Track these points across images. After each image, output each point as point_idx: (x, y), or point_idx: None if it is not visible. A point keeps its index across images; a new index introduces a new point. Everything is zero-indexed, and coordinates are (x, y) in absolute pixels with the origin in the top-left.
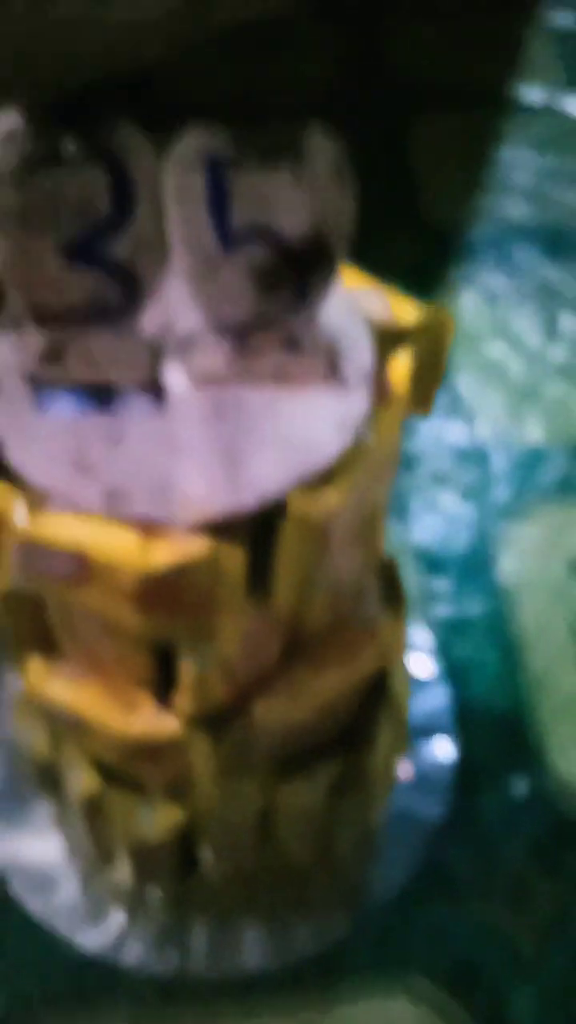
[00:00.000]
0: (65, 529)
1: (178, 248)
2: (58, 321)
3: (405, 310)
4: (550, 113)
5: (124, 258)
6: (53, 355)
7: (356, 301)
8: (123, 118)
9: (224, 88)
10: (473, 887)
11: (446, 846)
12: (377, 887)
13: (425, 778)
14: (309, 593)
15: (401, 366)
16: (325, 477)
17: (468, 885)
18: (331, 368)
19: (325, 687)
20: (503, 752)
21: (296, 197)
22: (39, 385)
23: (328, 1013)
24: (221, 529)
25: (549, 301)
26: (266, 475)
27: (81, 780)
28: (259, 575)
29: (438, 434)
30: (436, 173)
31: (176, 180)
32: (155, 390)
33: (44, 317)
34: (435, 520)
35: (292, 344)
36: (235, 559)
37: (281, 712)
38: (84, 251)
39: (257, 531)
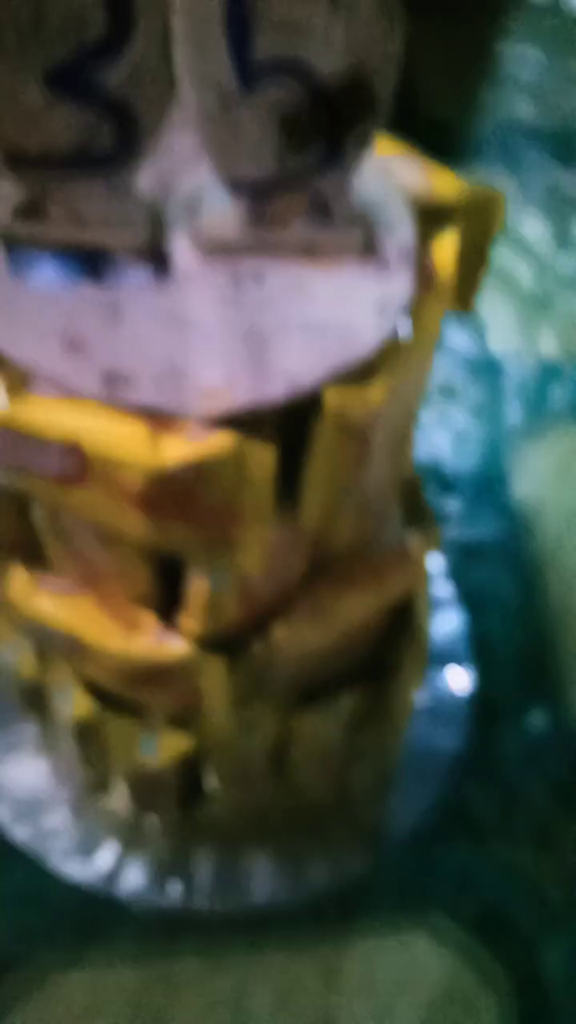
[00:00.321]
0: (57, 416)
1: (186, 82)
2: (38, 167)
3: (447, 184)
4: (556, 11)
5: (119, 91)
6: (31, 209)
7: (390, 168)
8: None
9: None
10: (495, 827)
11: (465, 782)
12: (396, 822)
13: (442, 709)
14: (340, 505)
15: (446, 249)
16: (364, 370)
17: (489, 825)
18: (367, 242)
19: (351, 611)
20: (521, 683)
21: (333, 27)
22: (15, 246)
23: (346, 949)
24: (245, 423)
25: (559, 207)
26: (296, 363)
27: (72, 703)
28: (286, 481)
29: (446, 343)
30: (437, 68)
31: None
32: (156, 259)
33: (21, 161)
34: (445, 436)
35: (322, 211)
36: (264, 459)
37: (303, 637)
38: (71, 80)
39: (286, 429)
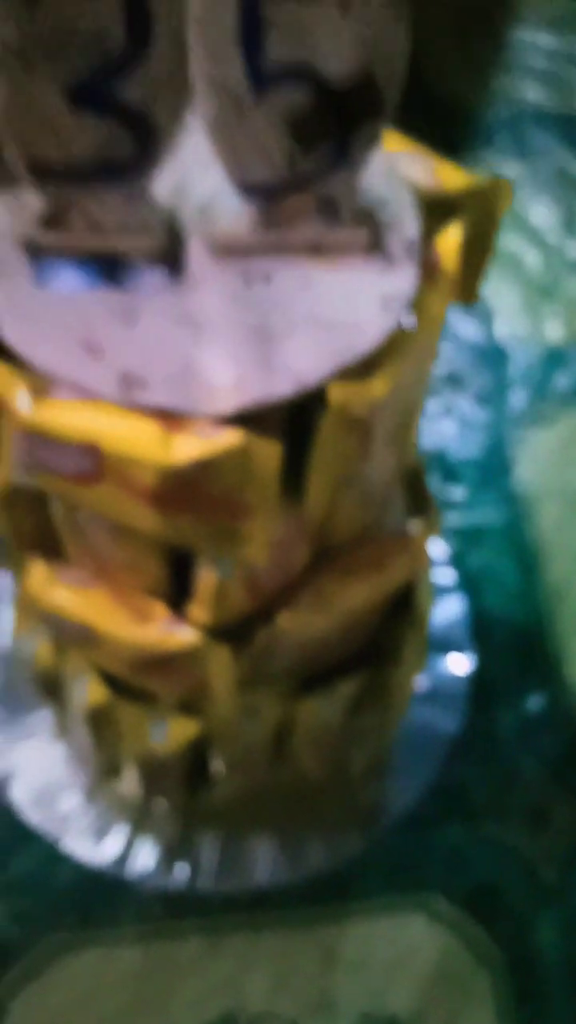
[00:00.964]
0: (75, 418)
1: (201, 90)
2: (60, 178)
3: (452, 177)
4: None
5: (138, 102)
6: (54, 218)
7: (397, 165)
8: None
9: None
10: (490, 808)
11: (462, 764)
12: (392, 803)
13: (440, 692)
14: (343, 496)
15: (450, 241)
16: (368, 364)
17: (484, 805)
18: (374, 239)
19: (352, 599)
20: (519, 666)
21: (342, 30)
22: (38, 253)
23: (342, 930)
24: (253, 420)
25: (568, 192)
26: (302, 360)
27: (87, 691)
28: (291, 474)
29: (453, 331)
30: (447, 53)
31: (202, 6)
32: (171, 261)
33: (44, 173)
34: (450, 424)
35: (330, 210)
36: (270, 455)
37: (306, 624)
38: (92, 93)
39: (291, 423)
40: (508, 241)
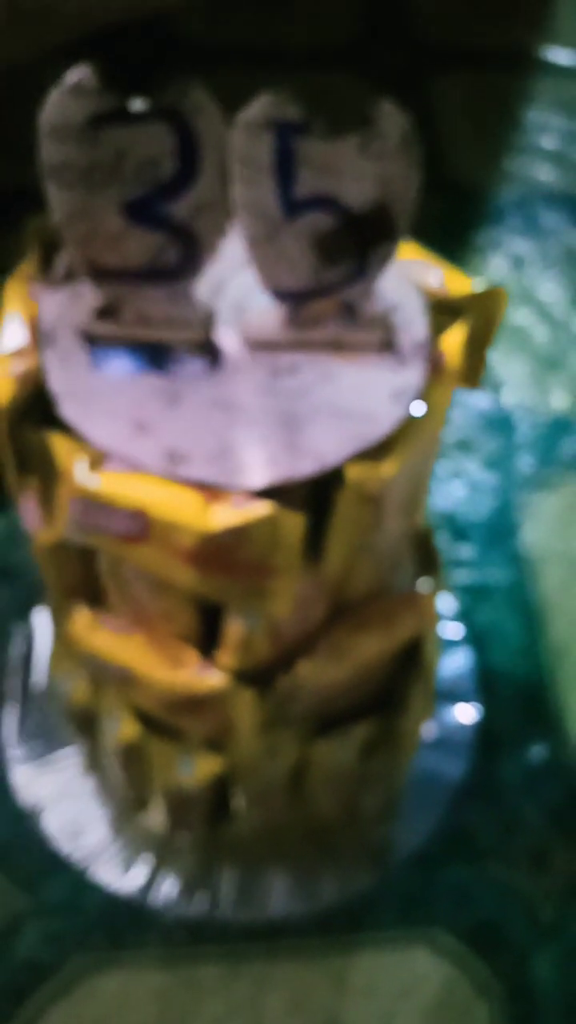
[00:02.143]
0: (126, 487)
1: (240, 212)
2: (115, 278)
3: (459, 283)
4: None
5: (185, 219)
6: (108, 311)
7: (411, 272)
8: (193, 79)
9: (243, 34)
10: (493, 849)
11: (467, 808)
12: (401, 843)
13: (448, 740)
14: (357, 559)
15: (454, 339)
16: (381, 448)
17: (488, 847)
18: (387, 339)
19: (365, 650)
20: (523, 718)
21: (363, 167)
22: (94, 341)
23: (352, 961)
24: (280, 494)
25: (575, 269)
26: (323, 443)
27: (120, 728)
28: (312, 540)
29: (463, 401)
30: (461, 134)
31: (243, 144)
32: (210, 352)
33: (101, 274)
34: (460, 487)
35: (349, 313)
36: (294, 524)
37: (323, 672)
38: (146, 211)
39: (313, 497)
40: (517, 315)
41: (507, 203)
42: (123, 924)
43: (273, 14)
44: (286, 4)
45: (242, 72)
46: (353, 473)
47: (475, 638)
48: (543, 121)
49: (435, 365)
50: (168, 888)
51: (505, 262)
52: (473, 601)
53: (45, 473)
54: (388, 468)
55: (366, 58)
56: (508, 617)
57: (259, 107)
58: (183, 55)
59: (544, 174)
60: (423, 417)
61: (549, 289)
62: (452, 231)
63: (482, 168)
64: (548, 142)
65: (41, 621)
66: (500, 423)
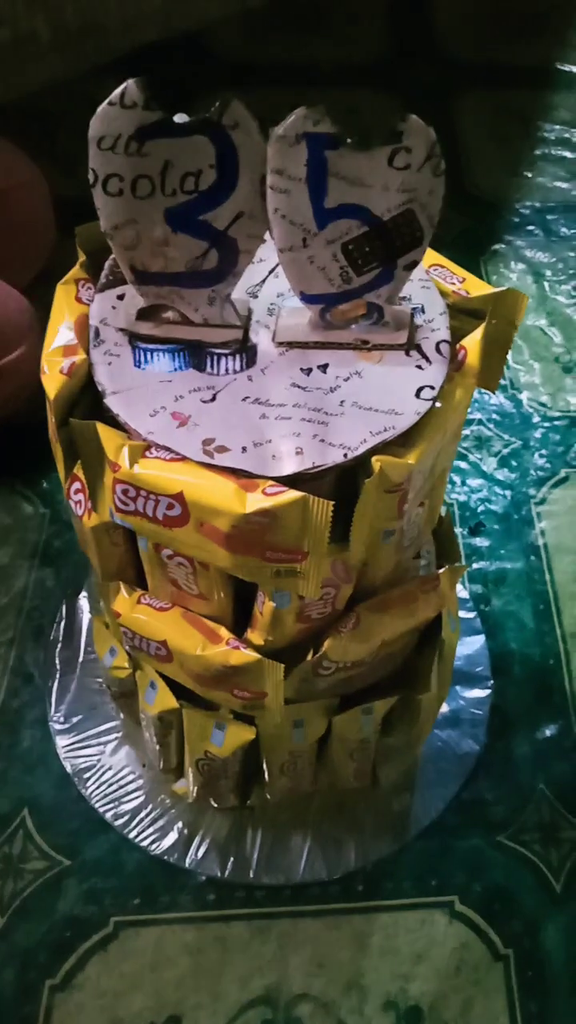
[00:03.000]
0: (167, 474)
1: (274, 221)
2: (158, 282)
3: (478, 287)
4: None
5: (225, 227)
6: (151, 313)
7: (433, 276)
8: (232, 94)
9: (277, 52)
10: (506, 822)
11: (482, 782)
12: (419, 814)
13: (464, 717)
14: (381, 544)
15: (475, 340)
16: (404, 440)
17: (502, 820)
18: (411, 339)
19: (387, 630)
20: (535, 697)
21: (391, 178)
22: (138, 341)
23: (372, 924)
24: (310, 482)
25: None
26: (350, 435)
27: (157, 700)
28: (340, 526)
29: (482, 400)
30: (484, 147)
31: (278, 156)
32: (245, 351)
33: (145, 277)
34: (479, 481)
35: (376, 314)
36: (323, 510)
37: (346, 650)
38: (188, 218)
39: (341, 486)
40: (535, 322)
41: (527, 213)
42: (158, 884)
43: (306, 33)
44: (318, 23)
45: (276, 88)
46: (378, 463)
47: (491, 623)
48: (564, 135)
49: (456, 364)
50: (200, 851)
51: (524, 271)
52: (489, 588)
53: (91, 461)
54: (411, 459)
55: (394, 75)
56: (522, 604)
57: (293, 121)
58: (220, 71)
59: (563, 185)
60: (444, 412)
61: (566, 296)
62: (474, 240)
63: (504, 180)
64: (569, 154)
65: (84, 601)
66: (517, 421)
